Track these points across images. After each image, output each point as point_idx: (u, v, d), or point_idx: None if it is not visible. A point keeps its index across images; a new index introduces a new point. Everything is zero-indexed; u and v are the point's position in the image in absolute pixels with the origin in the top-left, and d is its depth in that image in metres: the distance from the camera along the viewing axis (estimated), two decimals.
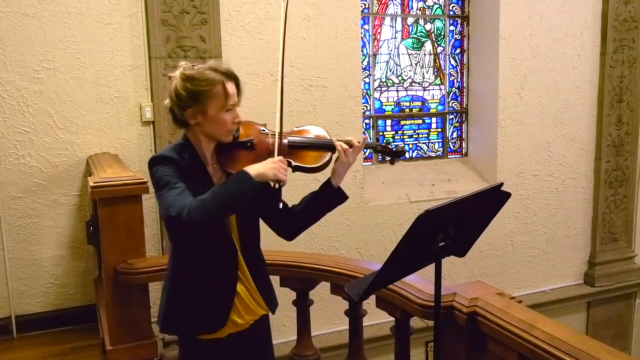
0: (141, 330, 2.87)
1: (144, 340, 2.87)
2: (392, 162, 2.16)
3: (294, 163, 1.99)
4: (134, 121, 3.82)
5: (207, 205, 1.74)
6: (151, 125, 3.84)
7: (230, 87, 1.92)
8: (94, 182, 2.78)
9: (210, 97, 1.87)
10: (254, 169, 1.80)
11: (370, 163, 5.02)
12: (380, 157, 2.21)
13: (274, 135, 2.00)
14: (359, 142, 2.04)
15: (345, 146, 2.01)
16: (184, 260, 2.01)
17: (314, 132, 2.12)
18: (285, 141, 2.00)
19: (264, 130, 2.05)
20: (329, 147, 2.04)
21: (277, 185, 1.85)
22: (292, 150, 2.01)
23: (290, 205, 2.10)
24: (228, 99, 1.89)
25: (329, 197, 2.06)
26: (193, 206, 1.74)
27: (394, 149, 2.14)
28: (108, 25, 3.69)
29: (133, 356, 2.83)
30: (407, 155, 2.20)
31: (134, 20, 3.74)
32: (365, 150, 2.10)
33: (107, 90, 3.73)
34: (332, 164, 2.05)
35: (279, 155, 1.92)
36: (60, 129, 3.65)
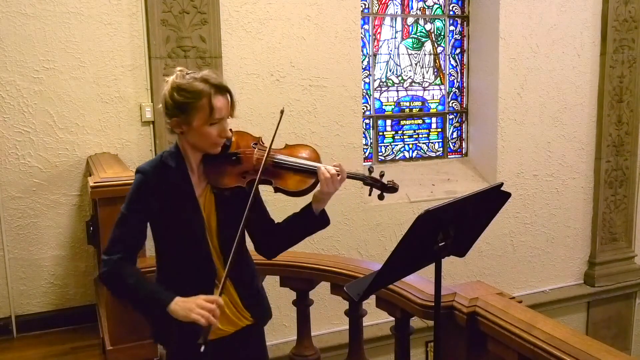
0: (141, 330, 2.86)
1: (144, 340, 2.86)
2: (380, 197, 1.96)
3: (274, 184, 1.92)
4: (134, 121, 3.82)
5: (120, 287, 1.86)
6: (151, 125, 3.84)
7: (218, 100, 1.84)
8: (94, 182, 2.78)
9: (195, 109, 1.83)
10: (177, 304, 1.75)
11: (370, 163, 5.02)
12: (370, 190, 1.98)
13: (262, 149, 1.94)
14: (342, 174, 1.89)
15: (328, 175, 1.86)
16: (164, 269, 2.01)
17: (305, 153, 1.99)
18: (270, 159, 1.92)
19: (254, 145, 1.98)
20: (315, 172, 1.90)
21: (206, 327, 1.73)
22: (277, 169, 1.92)
23: (275, 222, 2.07)
24: (213, 114, 1.83)
25: (308, 222, 1.99)
26: (113, 273, 1.84)
27: (387, 184, 1.94)
28: (108, 25, 3.69)
29: (133, 356, 2.83)
30: (398, 190, 1.93)
31: (134, 20, 3.74)
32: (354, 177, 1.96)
33: (107, 90, 3.73)
34: (315, 190, 1.94)
35: (262, 175, 1.86)
36: (60, 129, 3.65)
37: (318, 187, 1.92)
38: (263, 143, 2.00)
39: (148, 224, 1.94)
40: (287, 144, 2.06)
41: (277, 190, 1.94)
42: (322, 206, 1.96)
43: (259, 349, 2.19)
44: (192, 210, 1.91)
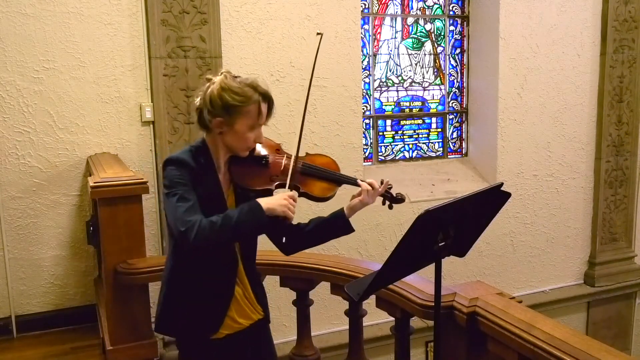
0: (141, 330, 2.87)
1: (144, 340, 2.87)
2: (390, 207, 2.18)
3: (302, 189, 2.02)
4: (134, 121, 3.82)
5: (216, 229, 1.78)
6: (151, 125, 3.84)
7: (264, 108, 1.93)
8: (94, 182, 2.78)
9: (241, 113, 1.90)
10: (265, 202, 1.84)
11: (370, 163, 5.02)
12: (382, 201, 2.17)
13: (289, 157, 2.04)
14: (380, 188, 2.06)
15: (369, 187, 2.03)
16: (183, 261, 2.01)
17: (326, 162, 2.13)
18: (299, 166, 2.02)
19: (278, 150, 2.09)
20: (340, 181, 2.08)
21: (285, 221, 1.89)
22: (303, 176, 2.04)
23: (296, 223, 2.11)
24: (259, 120, 1.93)
25: (338, 227, 2.09)
26: (202, 227, 1.76)
27: (396, 196, 2.15)
28: (108, 25, 3.69)
29: (133, 356, 2.83)
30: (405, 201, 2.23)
31: (134, 20, 3.74)
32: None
33: (107, 90, 3.73)
34: (354, 200, 2.09)
35: (291, 180, 1.95)
36: (60, 129, 3.65)
37: (357, 197, 2.06)
38: (284, 150, 2.11)
39: None
40: (307, 152, 2.16)
41: (302, 195, 2.04)
42: (353, 214, 2.09)
43: (269, 344, 2.27)
44: (219, 204, 1.96)
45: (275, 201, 1.86)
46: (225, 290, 2.02)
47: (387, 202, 2.16)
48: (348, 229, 2.10)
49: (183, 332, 2.06)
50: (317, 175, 2.06)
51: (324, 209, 2.14)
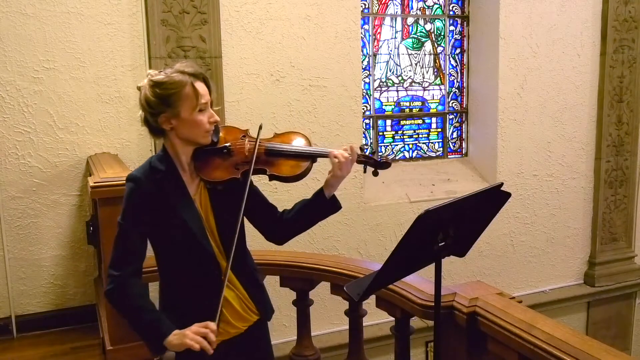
0: None
1: None
2: (375, 174, 2.02)
3: (269, 172, 1.94)
4: (134, 121, 3.82)
5: (126, 308, 1.88)
6: None
7: (200, 86, 1.87)
8: (94, 182, 2.78)
9: (180, 99, 1.84)
10: (173, 338, 1.80)
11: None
12: (364, 168, 2.03)
13: (252, 140, 1.96)
14: (350, 155, 1.92)
15: (341, 159, 1.90)
16: (167, 275, 2.02)
17: (295, 138, 2.02)
18: (262, 147, 1.95)
19: (243, 137, 2.00)
20: (307, 156, 1.96)
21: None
22: (269, 157, 1.95)
23: (281, 210, 2.08)
24: (199, 99, 1.85)
25: (321, 206, 2.00)
26: (119, 297, 1.86)
27: (379, 160, 1.99)
28: (108, 25, 3.69)
29: (133, 356, 2.82)
30: (391, 165, 2.05)
31: (134, 20, 3.74)
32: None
33: (107, 90, 3.73)
34: (309, 174, 1.97)
35: (255, 164, 1.89)
36: (60, 129, 3.65)
37: (330, 172, 1.94)
38: (250, 135, 2.02)
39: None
40: (275, 133, 2.08)
41: (272, 177, 1.96)
42: (333, 191, 1.98)
43: (266, 347, 2.20)
44: (188, 210, 1.91)
45: (182, 335, 1.78)
46: (212, 297, 1.88)
47: (370, 169, 2.00)
48: (333, 207, 2.00)
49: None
50: (282, 155, 1.95)
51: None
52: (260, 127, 1.96)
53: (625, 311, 5.78)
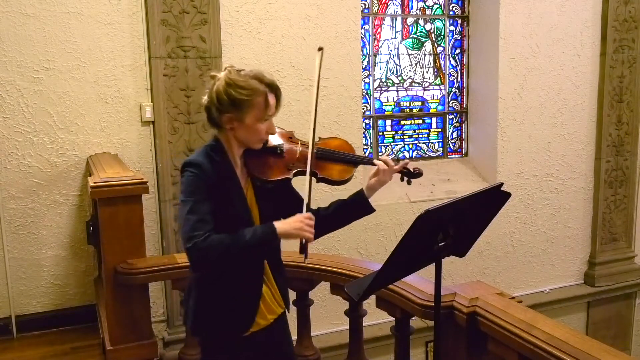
0: (141, 330, 2.87)
1: (144, 340, 2.87)
2: (409, 183, 2.21)
3: (320, 174, 2.03)
4: (134, 121, 3.82)
5: (224, 248, 1.80)
6: (151, 125, 3.84)
7: (272, 99, 1.93)
8: (94, 182, 2.78)
9: (250, 107, 1.89)
10: (280, 226, 1.84)
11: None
12: (400, 177, 2.20)
13: (304, 144, 2.05)
14: (395, 165, 2.08)
15: (385, 166, 2.05)
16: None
17: (340, 145, 2.16)
18: (314, 151, 2.02)
19: (291, 138, 2.09)
20: (356, 162, 2.10)
21: (303, 241, 1.88)
22: (319, 161, 2.05)
23: (316, 208, 2.12)
24: (268, 111, 1.92)
25: (359, 207, 2.11)
26: (210, 244, 1.77)
27: (414, 171, 2.17)
28: (108, 25, 3.69)
29: (133, 356, 2.83)
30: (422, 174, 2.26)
31: (134, 20, 3.74)
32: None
33: (107, 90, 3.73)
34: (371, 179, 2.10)
35: (311, 166, 1.96)
36: (60, 129, 3.65)
37: (376, 178, 2.07)
38: (296, 138, 2.12)
39: None
40: (320, 137, 2.17)
41: (320, 180, 2.06)
42: (372, 194, 2.11)
43: (288, 332, 2.29)
44: (240, 200, 1.98)
45: (290, 225, 1.86)
46: (253, 289, 2.02)
47: (406, 178, 2.19)
48: (368, 209, 2.11)
49: (216, 333, 2.06)
50: (332, 159, 2.07)
51: (344, 192, 2.16)
52: (314, 130, 2.01)
53: (625, 311, 5.78)
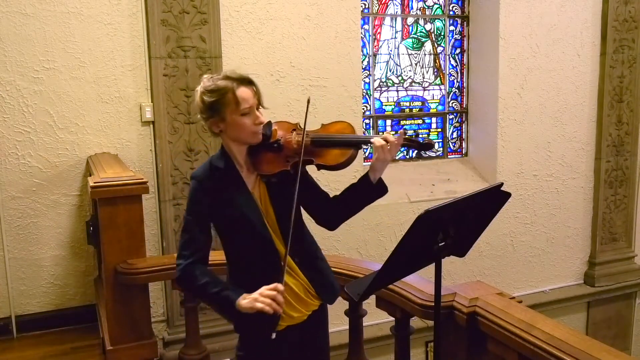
0: (141, 330, 2.87)
1: (144, 340, 2.87)
2: (419, 155, 2.14)
3: (315, 162, 2.03)
4: (134, 121, 3.82)
5: (194, 287, 1.98)
6: (151, 125, 3.84)
7: (242, 91, 1.95)
8: (94, 182, 2.78)
9: (223, 105, 1.94)
10: (240, 302, 1.87)
11: (370, 163, 5.01)
12: (406, 151, 2.17)
13: (300, 133, 2.05)
14: (396, 139, 1.98)
15: (383, 142, 1.97)
16: (233, 263, 2.11)
17: (339, 127, 2.12)
18: (308, 139, 2.03)
19: (293, 131, 2.10)
20: (351, 143, 2.05)
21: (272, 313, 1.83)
22: (315, 148, 2.03)
23: (331, 195, 2.15)
24: (239, 104, 1.94)
25: (367, 191, 2.08)
26: (185, 276, 1.97)
27: (422, 141, 2.04)
28: (108, 25, 3.69)
29: (133, 356, 2.83)
30: (435, 146, 2.17)
31: (134, 20, 3.74)
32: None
33: (107, 90, 3.73)
34: (355, 160, 2.07)
35: (303, 155, 1.97)
36: (60, 129, 3.65)
37: (375, 157, 2.01)
38: (301, 128, 2.10)
39: (211, 225, 2.06)
40: (322, 123, 2.15)
41: (319, 167, 2.05)
42: (379, 175, 2.06)
43: (325, 327, 2.32)
44: (246, 204, 2.01)
45: (251, 302, 1.84)
46: (273, 282, 1.95)
47: (415, 151, 2.12)
48: (379, 191, 2.08)
49: (246, 329, 2.09)
50: (328, 144, 2.04)
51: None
52: (306, 117, 2.03)
53: (625, 311, 5.78)
